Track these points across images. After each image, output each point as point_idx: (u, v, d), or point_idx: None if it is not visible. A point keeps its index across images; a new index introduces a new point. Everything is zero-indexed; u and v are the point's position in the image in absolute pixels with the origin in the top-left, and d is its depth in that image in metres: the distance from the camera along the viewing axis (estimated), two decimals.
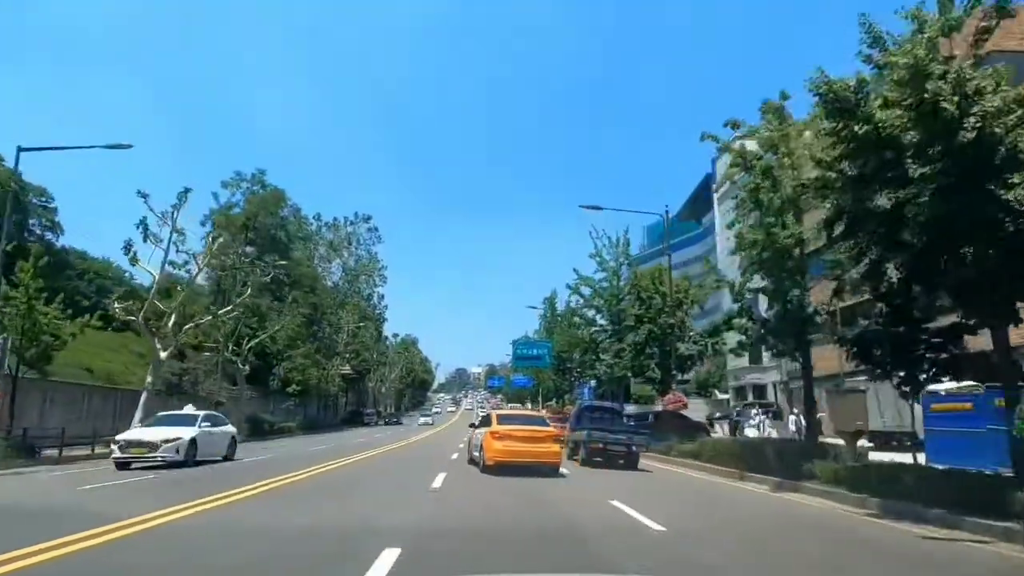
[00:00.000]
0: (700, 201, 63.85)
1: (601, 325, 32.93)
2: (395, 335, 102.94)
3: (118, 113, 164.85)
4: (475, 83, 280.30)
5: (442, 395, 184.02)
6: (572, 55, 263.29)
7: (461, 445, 21.68)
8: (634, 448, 16.35)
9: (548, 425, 15.68)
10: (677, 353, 22.53)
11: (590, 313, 33.20)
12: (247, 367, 36.26)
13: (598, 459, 16.38)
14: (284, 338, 43.20)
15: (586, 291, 32.62)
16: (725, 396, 45.79)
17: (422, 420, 65.71)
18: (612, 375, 30.46)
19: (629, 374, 27.07)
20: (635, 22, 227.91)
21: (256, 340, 36.94)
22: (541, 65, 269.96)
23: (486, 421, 15.32)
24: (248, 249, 53.95)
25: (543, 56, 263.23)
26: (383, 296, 77.58)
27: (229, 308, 28.08)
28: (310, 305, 52.24)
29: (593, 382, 55.92)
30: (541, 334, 57.09)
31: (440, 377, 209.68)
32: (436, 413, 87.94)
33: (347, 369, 58.15)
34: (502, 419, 14.79)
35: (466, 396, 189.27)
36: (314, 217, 66.78)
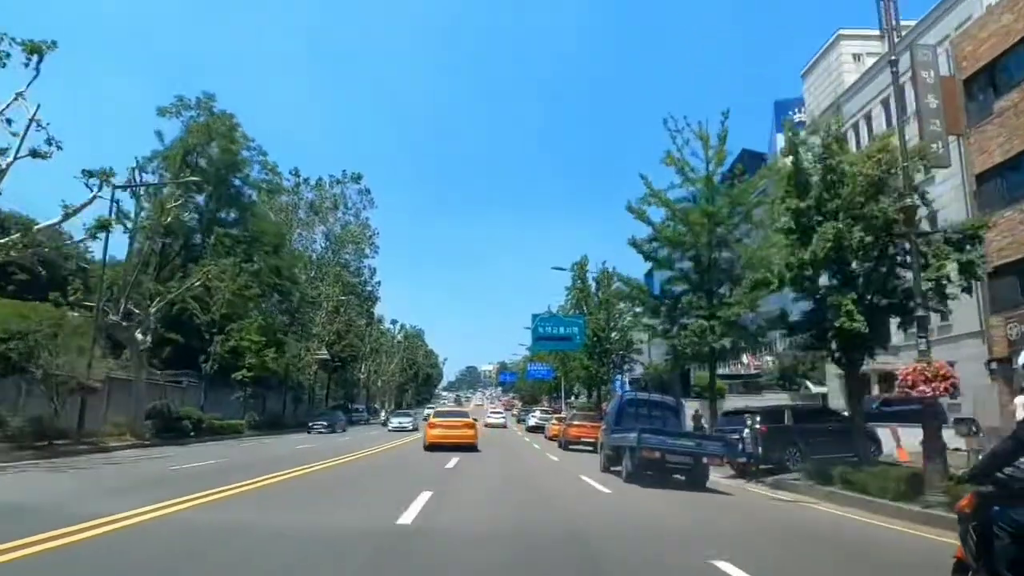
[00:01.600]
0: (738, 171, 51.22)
1: (680, 270, 20.79)
2: (394, 321, 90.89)
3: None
4: (497, 72, 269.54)
5: (446, 393, 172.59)
6: (588, 46, 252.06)
7: (451, 465, 15.09)
8: (705, 460, 12.72)
9: (468, 417, 22.87)
10: (917, 278, 10.23)
11: (663, 252, 20.86)
12: (148, 337, 24.63)
13: (649, 473, 12.64)
14: (222, 304, 31.48)
15: (657, 215, 20.48)
16: (821, 390, 33.48)
17: (395, 423, 41.49)
18: (703, 344, 18.42)
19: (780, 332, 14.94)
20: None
21: (163, 301, 25.32)
22: (565, 48, 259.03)
23: (428, 417, 25.89)
24: (199, 200, 42.64)
25: (559, 40, 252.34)
26: (375, 270, 64.18)
27: (56, 220, 16.28)
28: (272, 269, 40.45)
29: (640, 369, 43.77)
30: (567, 309, 45.02)
31: (450, 375, 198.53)
32: (428, 416, 65.69)
33: (324, 353, 46.43)
34: (437, 415, 23.15)
35: (475, 393, 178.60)
36: (291, 172, 54.03)
